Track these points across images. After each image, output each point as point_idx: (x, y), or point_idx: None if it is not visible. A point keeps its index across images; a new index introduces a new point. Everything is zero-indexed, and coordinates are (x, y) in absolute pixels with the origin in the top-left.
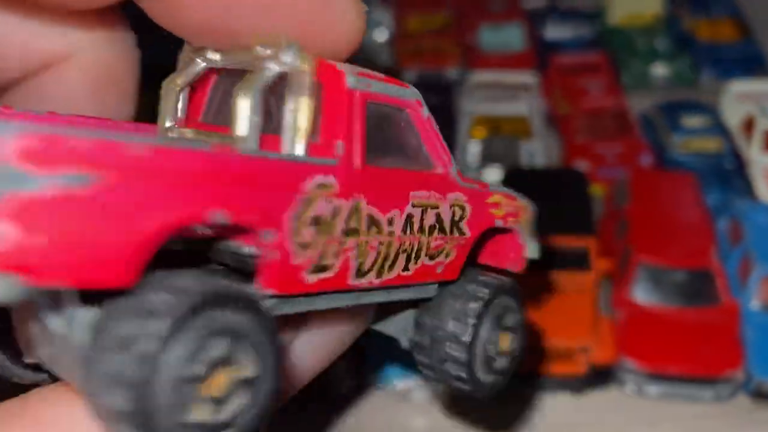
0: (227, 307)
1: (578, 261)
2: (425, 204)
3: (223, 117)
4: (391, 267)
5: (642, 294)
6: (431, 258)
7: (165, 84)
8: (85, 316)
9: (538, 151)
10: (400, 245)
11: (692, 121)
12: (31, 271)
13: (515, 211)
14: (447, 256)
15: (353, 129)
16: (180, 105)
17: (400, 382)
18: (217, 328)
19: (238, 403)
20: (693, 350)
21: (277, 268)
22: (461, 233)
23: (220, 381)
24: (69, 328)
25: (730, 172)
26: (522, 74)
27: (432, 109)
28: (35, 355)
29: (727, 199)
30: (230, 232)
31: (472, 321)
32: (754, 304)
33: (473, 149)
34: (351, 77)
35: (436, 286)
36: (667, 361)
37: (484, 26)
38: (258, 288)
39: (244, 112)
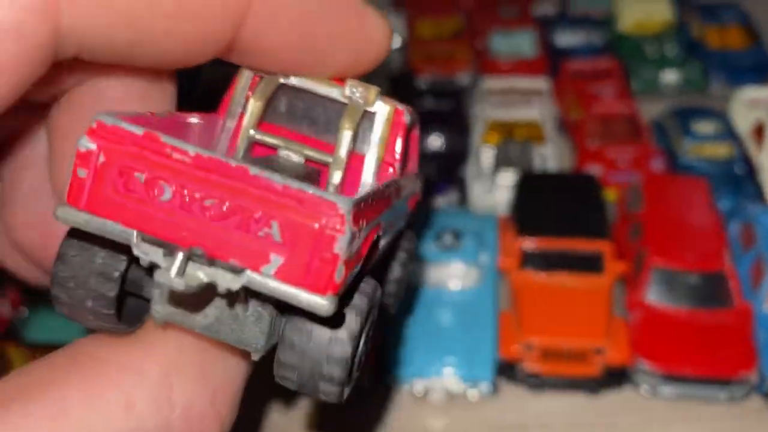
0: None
1: (592, 264)
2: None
3: (293, 122)
4: None
5: (656, 296)
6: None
7: (252, 98)
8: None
9: (551, 156)
10: None
11: (703, 126)
12: None
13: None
14: None
15: (404, 154)
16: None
17: (418, 383)
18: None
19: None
20: (707, 352)
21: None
22: None
23: None
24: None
25: (741, 177)
26: (534, 80)
27: (444, 114)
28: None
29: (738, 203)
30: None
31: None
32: (767, 306)
33: (487, 154)
34: (408, 116)
35: None
36: (681, 363)
37: (495, 32)
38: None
39: (345, 137)
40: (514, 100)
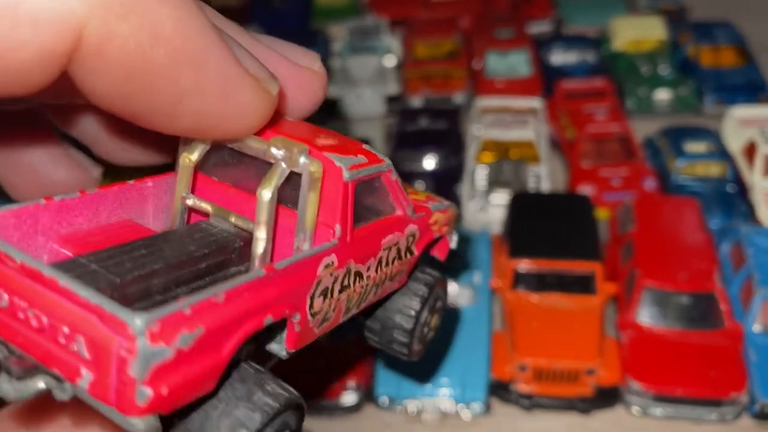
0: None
1: (584, 285)
2: (389, 245)
3: (235, 179)
4: (365, 298)
5: (647, 317)
6: (392, 279)
7: (181, 159)
8: None
9: (545, 176)
10: (374, 282)
11: (695, 146)
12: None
13: (446, 220)
14: (401, 273)
15: (347, 213)
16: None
17: (412, 403)
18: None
19: None
20: (697, 372)
21: (299, 334)
22: (412, 254)
23: None
24: None
25: (733, 197)
26: (528, 99)
27: (440, 133)
28: None
29: (729, 223)
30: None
31: (414, 313)
32: (757, 327)
33: (481, 173)
34: (347, 173)
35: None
36: (672, 383)
37: (490, 53)
38: (282, 348)
39: (264, 205)
40: (508, 120)
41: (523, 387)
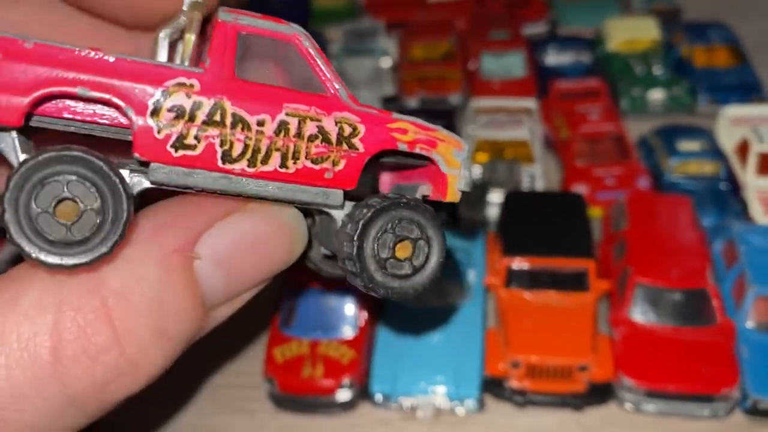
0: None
1: (577, 282)
2: (302, 115)
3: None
4: (264, 161)
5: (640, 314)
6: (314, 162)
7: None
8: None
9: (539, 175)
10: (271, 143)
11: (689, 145)
12: None
13: (429, 139)
14: (335, 164)
15: (219, 49)
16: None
17: (406, 400)
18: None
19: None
20: (690, 368)
21: (141, 139)
22: (351, 146)
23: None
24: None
25: (726, 195)
26: (523, 100)
27: None
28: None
29: (722, 221)
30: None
31: (355, 239)
32: (749, 323)
33: (476, 173)
34: (221, 13)
35: (341, 193)
36: (664, 379)
37: (485, 54)
38: (133, 155)
39: (158, 41)
40: (502, 120)
41: (516, 383)
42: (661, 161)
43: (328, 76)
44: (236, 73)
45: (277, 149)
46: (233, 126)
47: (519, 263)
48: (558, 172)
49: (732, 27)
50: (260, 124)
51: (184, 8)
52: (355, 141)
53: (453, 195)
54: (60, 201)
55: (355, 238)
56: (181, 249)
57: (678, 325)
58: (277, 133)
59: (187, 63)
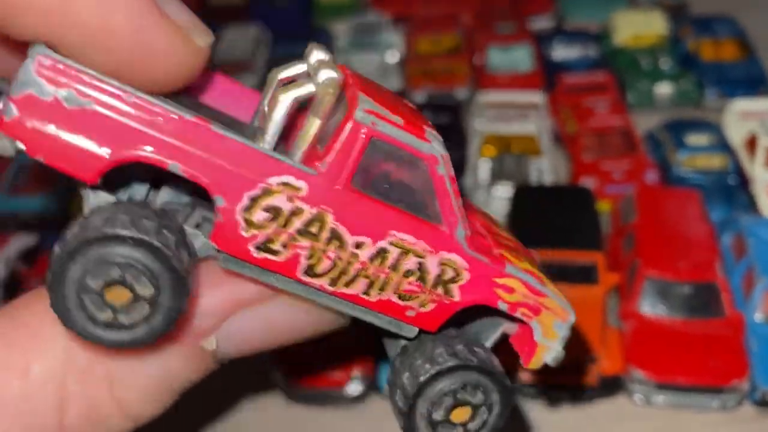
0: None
1: (586, 275)
2: (406, 248)
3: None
4: (348, 284)
5: (649, 306)
6: (401, 298)
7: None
8: None
9: (547, 169)
10: (362, 268)
11: (697, 138)
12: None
13: (535, 305)
14: (422, 305)
15: (344, 154)
16: None
17: None
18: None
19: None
20: (699, 361)
21: (223, 231)
22: (447, 292)
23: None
24: None
25: (734, 189)
26: (530, 94)
27: (442, 128)
28: None
29: (730, 214)
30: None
31: (409, 397)
32: (758, 316)
33: (483, 167)
34: (359, 112)
35: (416, 330)
36: (674, 372)
37: (492, 48)
38: (208, 240)
39: (275, 114)
40: (510, 114)
41: (525, 376)
42: (669, 155)
43: (454, 209)
44: (354, 180)
45: (366, 276)
46: (328, 242)
47: None
48: (566, 166)
49: (739, 20)
50: (358, 246)
51: (318, 80)
52: (453, 288)
53: (536, 364)
54: (112, 284)
55: (410, 395)
56: (196, 336)
57: (687, 318)
58: (372, 260)
59: (302, 151)
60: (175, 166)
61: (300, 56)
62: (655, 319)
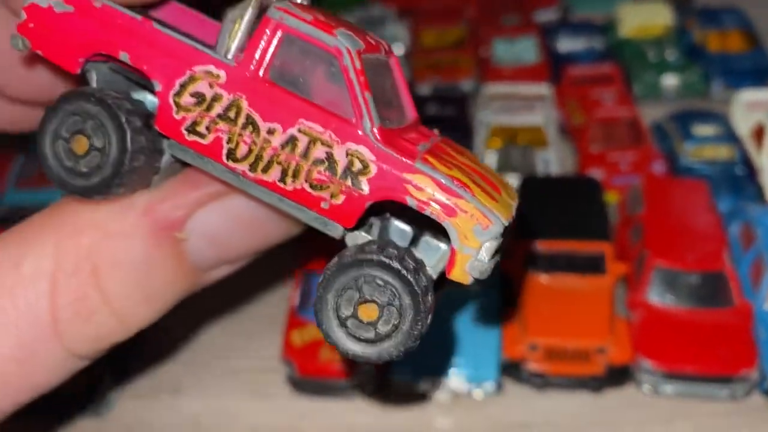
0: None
1: (594, 265)
2: (314, 136)
3: None
4: (264, 170)
5: (657, 296)
6: (313, 188)
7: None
8: None
9: (553, 160)
10: (275, 154)
11: (704, 129)
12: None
13: (447, 206)
14: (333, 196)
15: (257, 45)
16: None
17: (423, 382)
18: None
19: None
20: (708, 350)
21: (161, 114)
22: (355, 184)
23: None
24: None
25: (741, 179)
26: (536, 86)
27: (448, 120)
28: None
29: (738, 204)
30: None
31: (318, 288)
32: (767, 305)
33: (490, 159)
34: (271, 9)
35: (341, 229)
36: (682, 361)
37: (497, 40)
38: (154, 125)
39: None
40: (516, 106)
41: (534, 366)
42: (676, 146)
43: (359, 101)
44: (271, 73)
45: (279, 162)
46: (244, 127)
47: (536, 247)
48: (572, 157)
49: (745, 11)
50: (270, 132)
51: None
52: (362, 179)
53: (460, 276)
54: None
55: (319, 287)
56: (169, 226)
57: (696, 308)
58: (283, 146)
59: (234, 46)
60: (124, 55)
61: None
62: (663, 309)
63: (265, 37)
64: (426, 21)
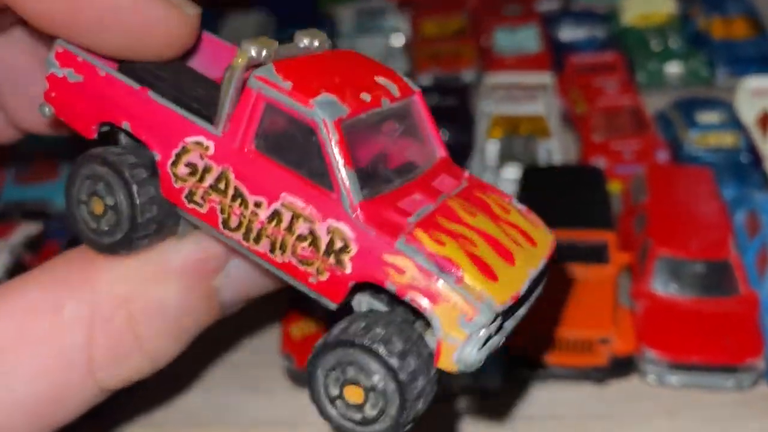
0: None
1: (598, 254)
2: (296, 212)
3: None
4: (256, 241)
5: (661, 285)
6: (300, 262)
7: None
8: None
9: (556, 150)
10: (262, 227)
11: (708, 117)
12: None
13: (428, 292)
14: (319, 272)
15: (241, 117)
16: None
17: None
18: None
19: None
20: (713, 339)
21: (164, 183)
22: (339, 263)
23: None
24: None
25: (746, 167)
26: (538, 75)
27: (449, 110)
28: None
29: (743, 192)
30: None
31: (308, 364)
32: None
33: (492, 149)
34: (252, 79)
35: (334, 304)
36: (687, 351)
37: (499, 29)
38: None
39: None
40: (518, 95)
41: (537, 357)
42: (680, 133)
43: (337, 177)
44: (256, 142)
45: (267, 236)
46: (233, 199)
47: None
48: (575, 146)
49: None
50: (257, 205)
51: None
52: (344, 258)
53: (447, 365)
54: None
55: (308, 363)
56: (206, 276)
57: (700, 297)
58: (269, 220)
59: (222, 116)
60: (126, 125)
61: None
62: (667, 298)
63: (248, 109)
64: (426, 11)
